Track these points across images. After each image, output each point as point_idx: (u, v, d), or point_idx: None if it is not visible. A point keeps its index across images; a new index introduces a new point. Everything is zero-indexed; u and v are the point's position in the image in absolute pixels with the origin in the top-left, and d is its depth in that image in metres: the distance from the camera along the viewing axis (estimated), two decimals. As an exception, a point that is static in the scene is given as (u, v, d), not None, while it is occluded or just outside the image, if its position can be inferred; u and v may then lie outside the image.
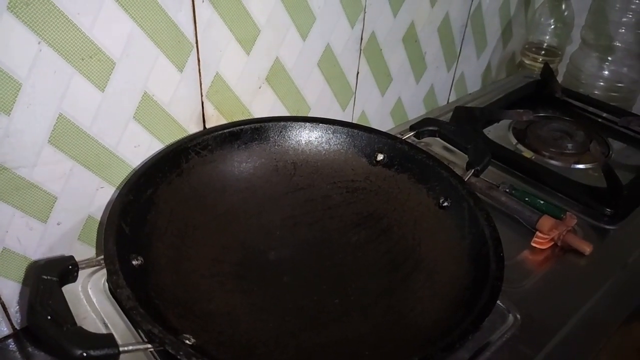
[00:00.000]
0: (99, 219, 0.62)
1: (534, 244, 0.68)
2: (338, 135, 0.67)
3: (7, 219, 0.54)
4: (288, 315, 0.53)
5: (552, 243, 0.68)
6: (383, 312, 0.54)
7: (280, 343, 0.50)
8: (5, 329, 0.59)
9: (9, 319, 0.58)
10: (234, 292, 0.54)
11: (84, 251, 0.62)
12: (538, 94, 1.01)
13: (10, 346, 0.58)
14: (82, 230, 0.61)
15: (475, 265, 0.53)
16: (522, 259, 0.66)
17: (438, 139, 0.72)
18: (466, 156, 0.67)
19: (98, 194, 0.60)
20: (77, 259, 0.50)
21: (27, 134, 0.51)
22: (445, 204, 0.61)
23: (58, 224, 0.58)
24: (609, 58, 1.06)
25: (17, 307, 0.58)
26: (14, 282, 0.57)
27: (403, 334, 0.50)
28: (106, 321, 0.55)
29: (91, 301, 0.57)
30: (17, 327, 0.59)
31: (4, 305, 0.58)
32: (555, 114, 0.98)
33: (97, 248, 0.63)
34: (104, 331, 0.54)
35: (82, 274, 0.58)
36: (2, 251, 0.55)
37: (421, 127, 0.69)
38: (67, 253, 0.47)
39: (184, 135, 0.64)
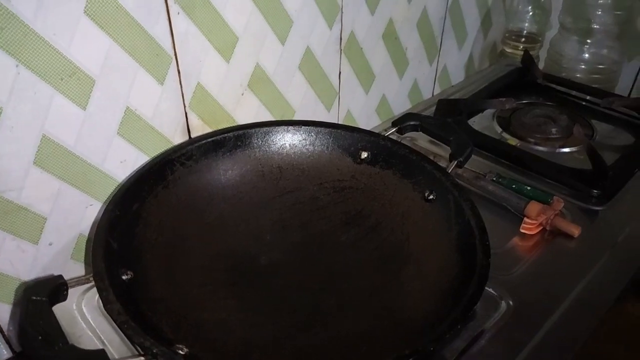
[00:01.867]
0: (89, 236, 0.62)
1: (522, 230, 0.68)
2: (321, 136, 0.68)
3: (-2, 243, 0.54)
4: (283, 318, 0.53)
5: (541, 228, 0.68)
6: (376, 308, 0.54)
7: (277, 346, 0.50)
8: (5, 352, 0.59)
9: (8, 343, 0.59)
10: (227, 299, 0.54)
11: (78, 270, 0.63)
12: (520, 81, 1.01)
13: (11, 370, 0.59)
14: (75, 249, 0.61)
15: (463, 256, 0.53)
16: (512, 246, 0.67)
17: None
18: (451, 148, 0.68)
19: (87, 212, 0.60)
20: (71, 277, 0.50)
21: (12, 157, 0.52)
22: (431, 197, 0.62)
23: (50, 245, 0.59)
24: (588, 41, 1.06)
25: (14, 330, 0.58)
26: (9, 305, 0.58)
27: (396, 329, 0.51)
28: (102, 338, 0.55)
29: (86, 319, 0.57)
30: (17, 350, 0.59)
31: (2, 329, 0.58)
32: (538, 99, 0.98)
33: (86, 265, 0.63)
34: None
35: (76, 292, 0.59)
36: (-4, 275, 0.56)
37: (403, 122, 0.69)
38: (60, 273, 0.47)
39: (170, 147, 0.64)
